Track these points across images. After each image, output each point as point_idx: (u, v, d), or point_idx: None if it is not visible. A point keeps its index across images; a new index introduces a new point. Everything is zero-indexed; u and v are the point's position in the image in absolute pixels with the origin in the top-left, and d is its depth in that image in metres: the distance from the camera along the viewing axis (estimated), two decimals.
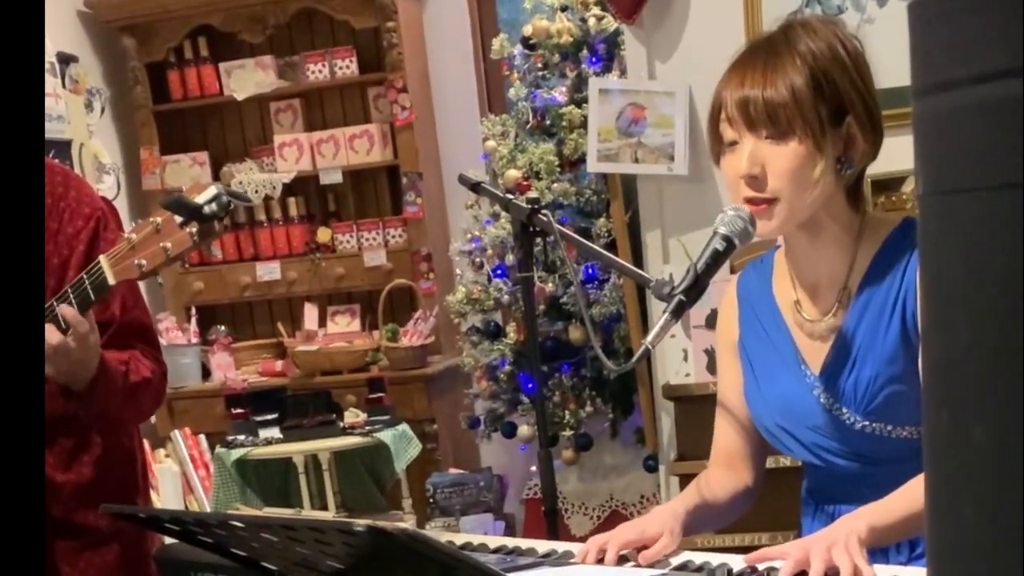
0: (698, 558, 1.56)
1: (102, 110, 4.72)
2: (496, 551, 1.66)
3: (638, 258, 3.30)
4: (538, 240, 2.22)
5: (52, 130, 4.16)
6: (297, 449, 3.88)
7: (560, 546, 1.65)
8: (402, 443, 3.95)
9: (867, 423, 1.61)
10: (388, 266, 4.67)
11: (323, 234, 4.78)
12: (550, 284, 3.71)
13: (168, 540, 1.65)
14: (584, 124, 3.51)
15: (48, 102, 4.15)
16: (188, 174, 4.81)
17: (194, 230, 1.72)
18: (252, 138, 4.98)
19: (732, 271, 2.27)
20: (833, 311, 1.66)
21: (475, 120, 4.55)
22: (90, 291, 1.83)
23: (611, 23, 3.66)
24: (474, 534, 1.82)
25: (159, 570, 1.80)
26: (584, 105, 3.53)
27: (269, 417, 3.98)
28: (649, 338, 1.57)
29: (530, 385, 3.81)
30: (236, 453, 3.86)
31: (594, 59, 3.72)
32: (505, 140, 3.90)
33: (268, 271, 4.79)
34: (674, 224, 3.22)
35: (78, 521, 1.99)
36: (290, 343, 4.74)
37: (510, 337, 3.84)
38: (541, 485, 2.22)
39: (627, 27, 3.26)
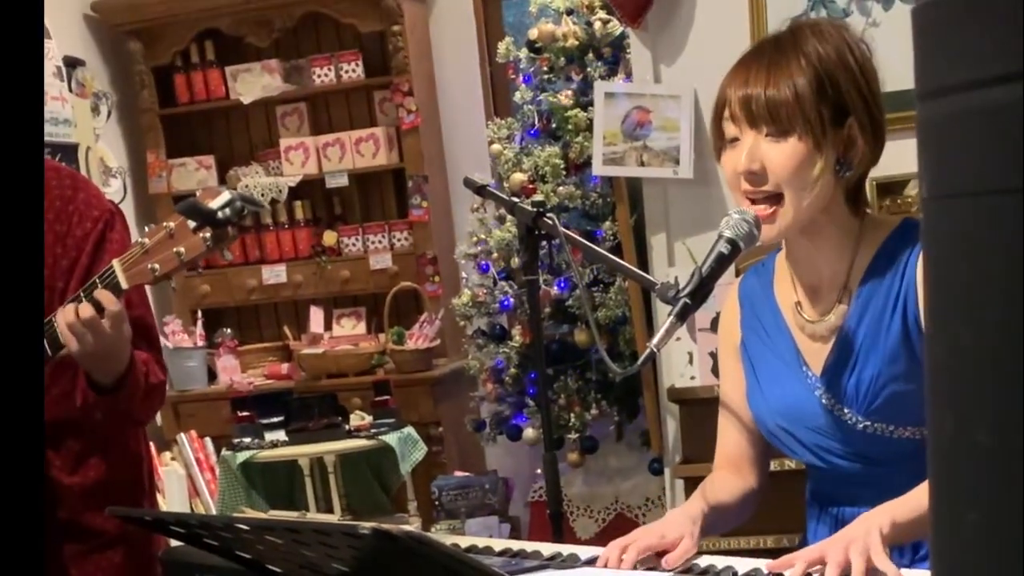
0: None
1: (108, 114, 4.72)
2: (501, 554, 1.67)
3: (643, 261, 3.31)
4: (543, 243, 2.23)
5: (58, 134, 4.15)
6: (303, 452, 3.88)
7: (565, 549, 1.65)
8: (407, 446, 3.95)
9: (869, 423, 1.61)
10: (394, 269, 4.66)
11: (329, 237, 4.78)
12: (555, 288, 3.71)
13: (173, 542, 1.65)
14: (590, 127, 3.51)
15: (55, 106, 4.15)
16: (194, 178, 4.81)
17: (208, 235, 1.72)
18: (258, 142, 4.97)
19: (737, 274, 2.27)
20: (834, 311, 1.66)
21: (481, 123, 4.56)
22: None
23: (617, 27, 3.67)
24: (479, 537, 1.83)
25: (164, 572, 1.80)
26: (590, 108, 3.53)
27: (275, 420, 3.98)
28: (654, 341, 1.58)
29: (531, 390, 3.81)
30: (242, 456, 3.86)
31: (600, 63, 3.72)
32: (511, 143, 3.90)
33: (274, 274, 4.79)
34: (679, 227, 3.22)
35: (85, 524, 1.99)
36: (296, 346, 4.74)
37: (515, 340, 3.85)
38: (546, 488, 2.21)
39: (632, 31, 3.26)
